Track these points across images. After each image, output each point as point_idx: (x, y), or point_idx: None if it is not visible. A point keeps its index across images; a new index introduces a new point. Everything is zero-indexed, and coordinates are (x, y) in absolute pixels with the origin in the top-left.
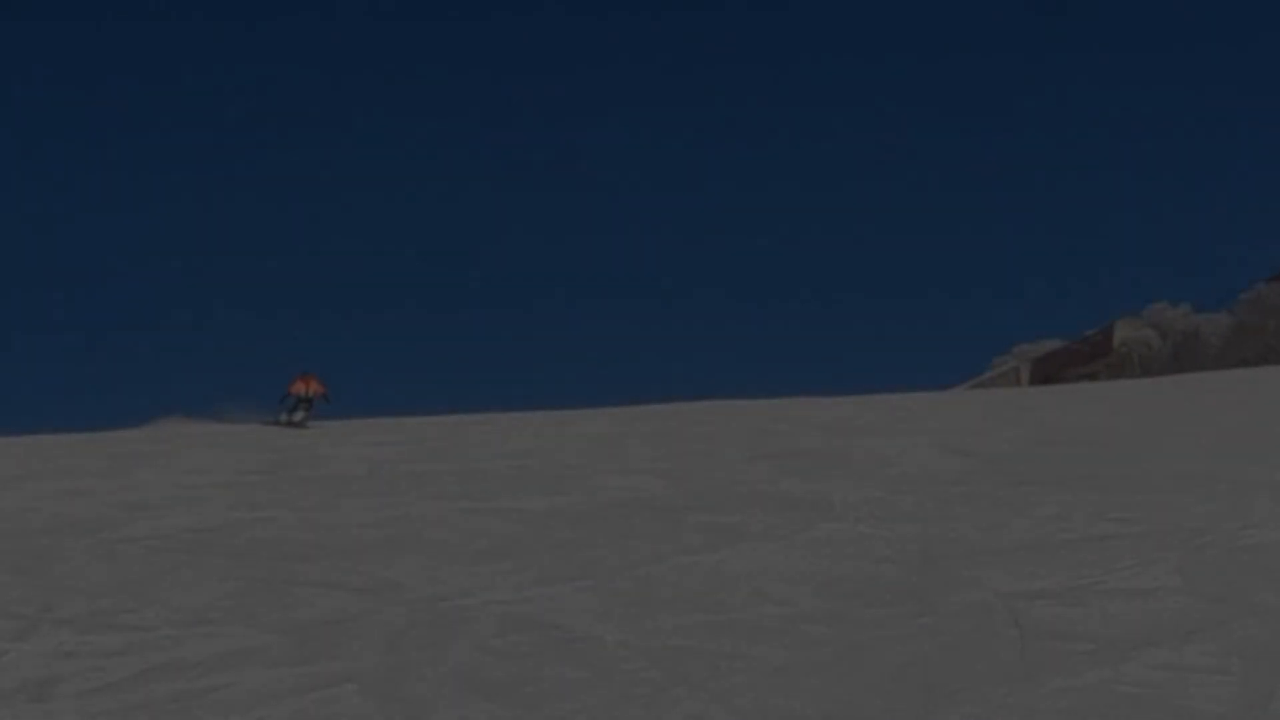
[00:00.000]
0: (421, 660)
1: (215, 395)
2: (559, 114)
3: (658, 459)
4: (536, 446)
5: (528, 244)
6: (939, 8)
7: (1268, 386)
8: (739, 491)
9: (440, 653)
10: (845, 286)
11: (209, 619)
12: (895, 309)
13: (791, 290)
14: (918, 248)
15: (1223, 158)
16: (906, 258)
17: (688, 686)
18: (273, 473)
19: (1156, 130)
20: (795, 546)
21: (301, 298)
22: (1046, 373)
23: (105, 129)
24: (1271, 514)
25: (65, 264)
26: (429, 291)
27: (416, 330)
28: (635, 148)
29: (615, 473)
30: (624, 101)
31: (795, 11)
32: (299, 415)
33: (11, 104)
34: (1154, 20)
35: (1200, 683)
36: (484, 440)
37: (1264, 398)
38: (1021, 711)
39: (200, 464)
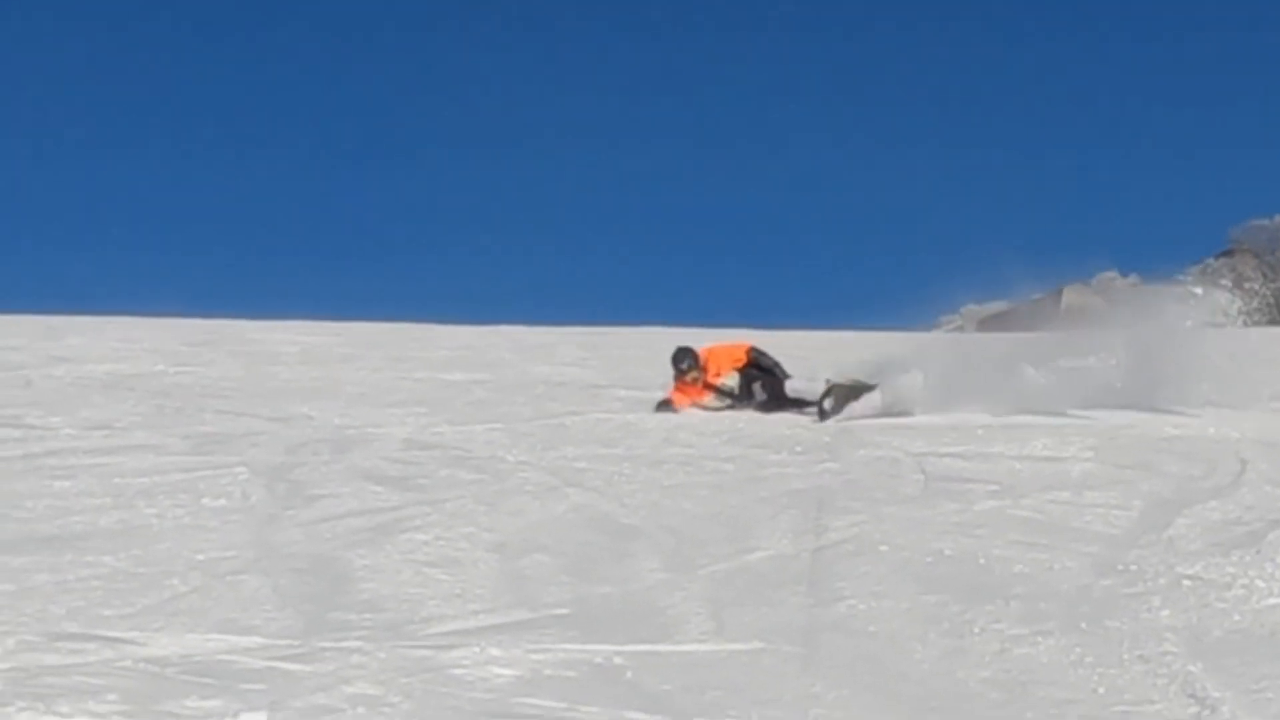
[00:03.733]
0: (317, 461)
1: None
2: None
3: (589, 358)
4: (472, 343)
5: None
6: None
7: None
8: (666, 382)
9: (338, 457)
10: (799, 239)
11: (113, 427)
12: (846, 262)
13: (751, 238)
14: (872, 203)
15: (1184, 134)
16: (860, 212)
17: (580, 489)
18: (203, 345)
19: (1123, 105)
20: (714, 416)
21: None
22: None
23: None
24: (1193, 420)
25: None
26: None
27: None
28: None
29: (544, 363)
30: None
31: None
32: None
33: None
34: None
35: (1098, 514)
36: (422, 337)
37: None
38: (910, 523)
39: (133, 336)
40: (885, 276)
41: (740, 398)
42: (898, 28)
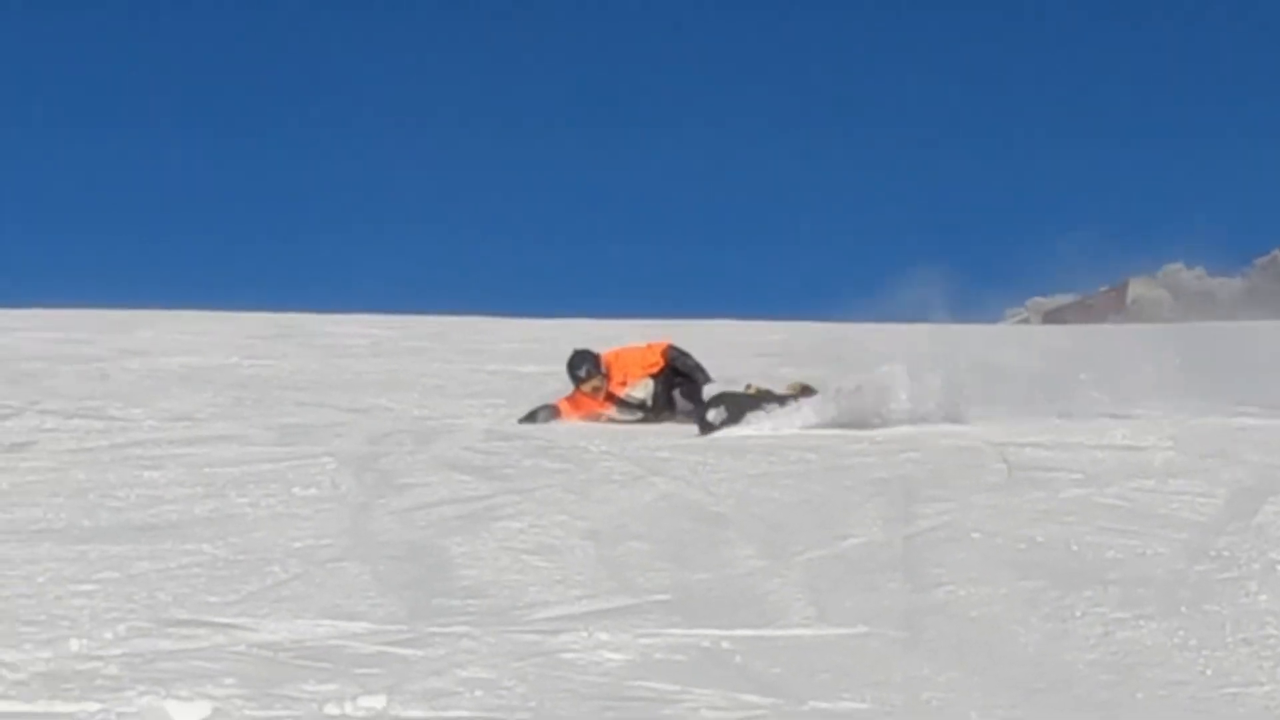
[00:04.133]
0: (402, 451)
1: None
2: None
3: None
4: (539, 336)
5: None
6: None
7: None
8: (738, 372)
9: (421, 447)
10: (865, 230)
11: (194, 418)
12: (913, 256)
13: (816, 231)
14: (939, 197)
15: (1251, 126)
16: (927, 206)
17: (666, 478)
18: (274, 338)
19: (1189, 98)
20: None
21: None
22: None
23: None
24: (1265, 411)
25: None
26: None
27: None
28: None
29: None
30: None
31: None
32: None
33: None
34: None
35: (1184, 502)
36: (489, 330)
37: (1272, 340)
38: (999, 511)
39: (203, 329)
40: (950, 270)
41: (656, 408)
42: (974, 19)
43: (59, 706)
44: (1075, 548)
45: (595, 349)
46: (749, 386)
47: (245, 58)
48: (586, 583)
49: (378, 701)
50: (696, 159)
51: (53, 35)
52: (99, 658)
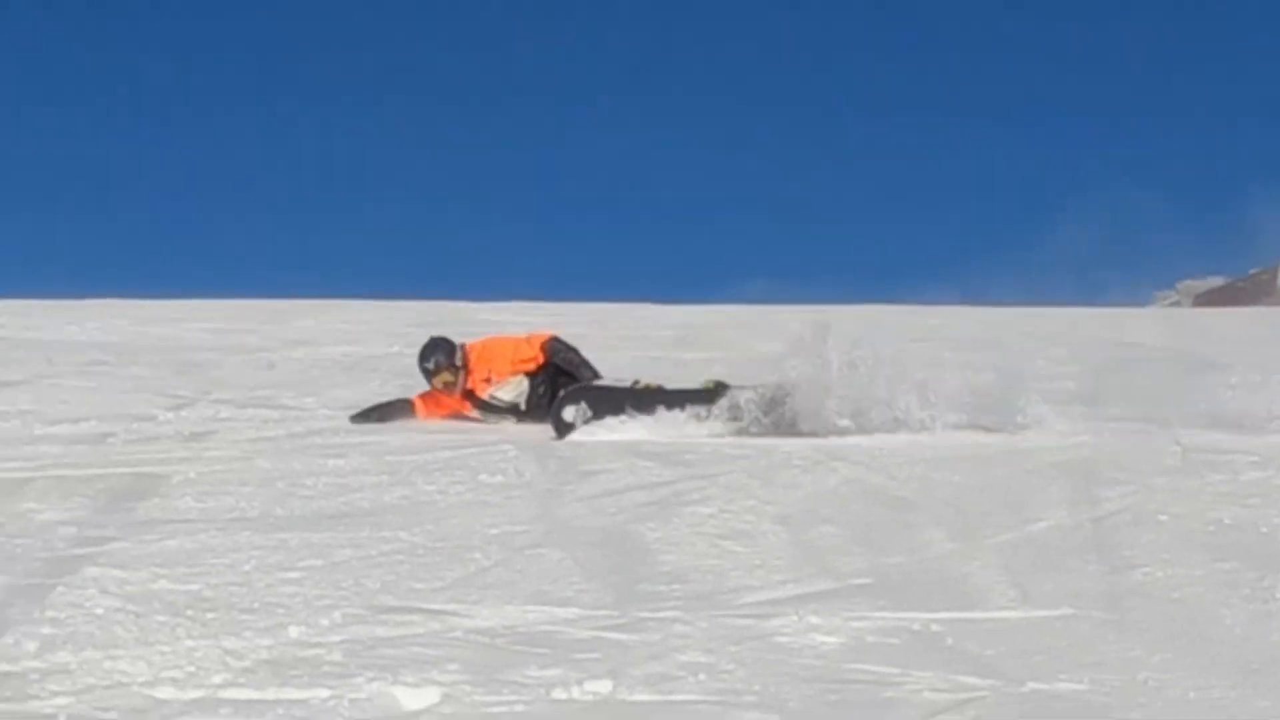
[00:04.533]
0: (581, 437)
1: None
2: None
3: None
4: (692, 322)
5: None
6: None
7: None
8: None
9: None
10: (1015, 214)
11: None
12: (1062, 236)
13: (967, 212)
14: (1087, 177)
15: None
16: (1076, 188)
17: (846, 463)
18: (432, 326)
19: None
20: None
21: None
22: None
23: None
24: None
25: None
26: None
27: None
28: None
29: (773, 340)
30: None
31: None
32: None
33: None
34: None
35: None
36: (641, 316)
37: None
38: (1181, 494)
39: (360, 318)
40: (1100, 253)
41: (530, 412)
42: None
43: (289, 693)
44: (1264, 530)
45: (457, 338)
46: (636, 382)
47: (403, 52)
48: (785, 567)
49: (603, 686)
50: (860, 141)
51: (204, 29)
52: (320, 644)
